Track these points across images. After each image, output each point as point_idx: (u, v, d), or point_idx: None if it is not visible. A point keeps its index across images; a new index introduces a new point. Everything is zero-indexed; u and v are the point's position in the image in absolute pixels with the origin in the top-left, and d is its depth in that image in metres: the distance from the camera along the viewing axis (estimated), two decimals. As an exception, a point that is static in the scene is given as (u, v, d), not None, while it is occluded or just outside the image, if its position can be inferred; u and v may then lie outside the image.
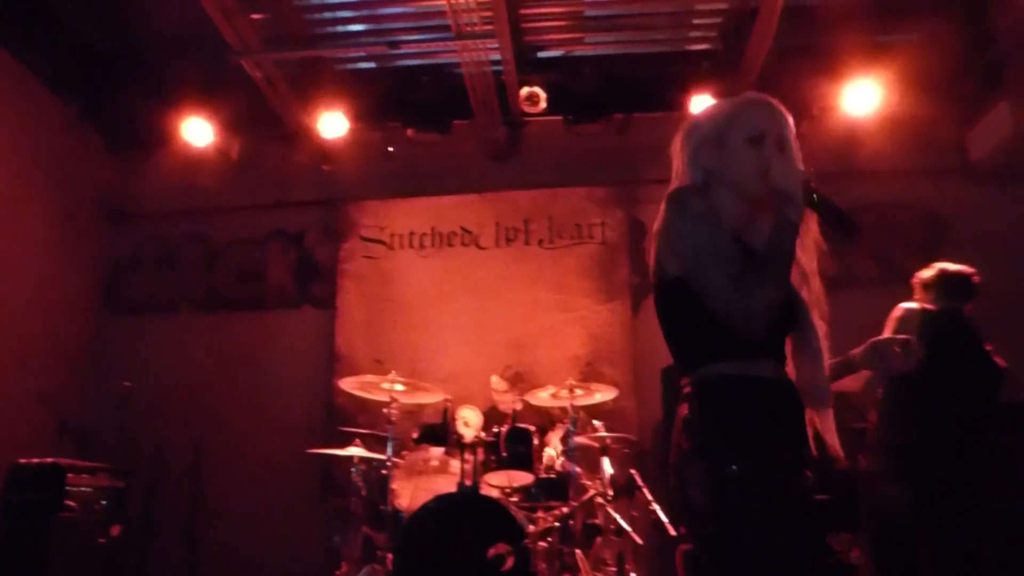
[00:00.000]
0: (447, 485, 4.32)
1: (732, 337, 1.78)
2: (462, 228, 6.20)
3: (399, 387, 4.58)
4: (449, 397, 4.86)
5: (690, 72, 5.62)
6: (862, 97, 5.36)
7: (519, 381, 5.19)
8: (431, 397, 4.88)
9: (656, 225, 1.97)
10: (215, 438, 5.88)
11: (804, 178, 1.86)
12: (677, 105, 5.61)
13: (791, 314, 1.94)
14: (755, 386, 1.83)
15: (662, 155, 6.56)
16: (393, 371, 4.61)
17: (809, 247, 1.97)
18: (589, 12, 5.65)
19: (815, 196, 1.85)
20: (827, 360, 1.97)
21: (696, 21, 5.69)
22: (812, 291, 1.97)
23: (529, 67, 5.87)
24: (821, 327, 1.96)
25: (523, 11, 5.50)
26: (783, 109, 2.01)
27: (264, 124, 6.19)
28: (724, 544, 1.72)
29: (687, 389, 1.88)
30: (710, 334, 1.83)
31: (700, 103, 5.50)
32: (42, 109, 5.78)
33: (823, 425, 1.92)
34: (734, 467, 1.72)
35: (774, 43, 5.14)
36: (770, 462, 1.75)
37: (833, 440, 1.93)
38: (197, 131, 5.86)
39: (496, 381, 5.25)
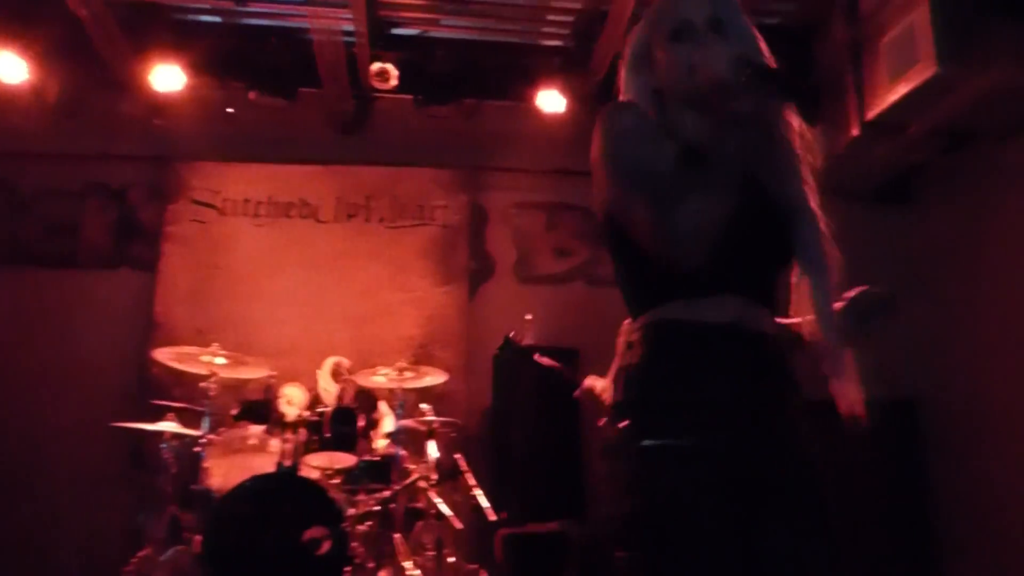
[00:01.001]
0: (265, 465, 4.20)
1: (668, 272, 1.48)
2: (301, 199, 6.02)
3: (220, 360, 4.40)
4: (274, 373, 4.72)
5: (541, 66, 5.72)
6: (698, 109, 5.65)
7: (351, 372, 5.07)
8: (255, 372, 4.73)
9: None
10: (8, 406, 5.40)
11: (736, 55, 1.50)
12: (526, 97, 5.70)
13: (768, 234, 1.60)
14: (696, 334, 1.50)
15: (508, 143, 6.72)
16: (215, 343, 4.43)
17: (794, 144, 1.63)
18: (446, -7, 5.62)
19: (752, 72, 1.47)
20: (834, 292, 1.65)
21: (550, 17, 5.78)
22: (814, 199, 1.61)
23: (382, 42, 5.75)
24: (829, 250, 1.65)
25: (380, -16, 5.39)
26: None
27: (89, 68, 5.70)
28: (638, 531, 1.43)
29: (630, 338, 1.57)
30: (645, 271, 1.54)
31: (547, 98, 5.62)
32: None
33: (833, 376, 1.58)
34: (650, 440, 1.43)
35: (621, 47, 5.30)
36: (706, 433, 1.42)
37: (847, 395, 1.58)
38: (7, 65, 5.31)
39: (324, 379, 5.09)
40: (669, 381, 1.47)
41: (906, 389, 5.89)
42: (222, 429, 4.45)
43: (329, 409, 4.43)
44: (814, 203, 1.62)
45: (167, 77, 5.44)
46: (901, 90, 4.51)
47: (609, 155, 1.62)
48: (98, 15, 5.25)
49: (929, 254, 6.08)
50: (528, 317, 5.55)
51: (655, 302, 1.54)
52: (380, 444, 4.54)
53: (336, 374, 5.03)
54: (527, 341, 5.45)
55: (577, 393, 4.19)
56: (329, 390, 4.93)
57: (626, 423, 1.47)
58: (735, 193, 1.46)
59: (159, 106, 5.74)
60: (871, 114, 4.82)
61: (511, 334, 4.50)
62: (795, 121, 1.66)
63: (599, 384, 4.27)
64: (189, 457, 4.27)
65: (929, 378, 5.91)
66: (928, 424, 5.89)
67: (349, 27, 5.35)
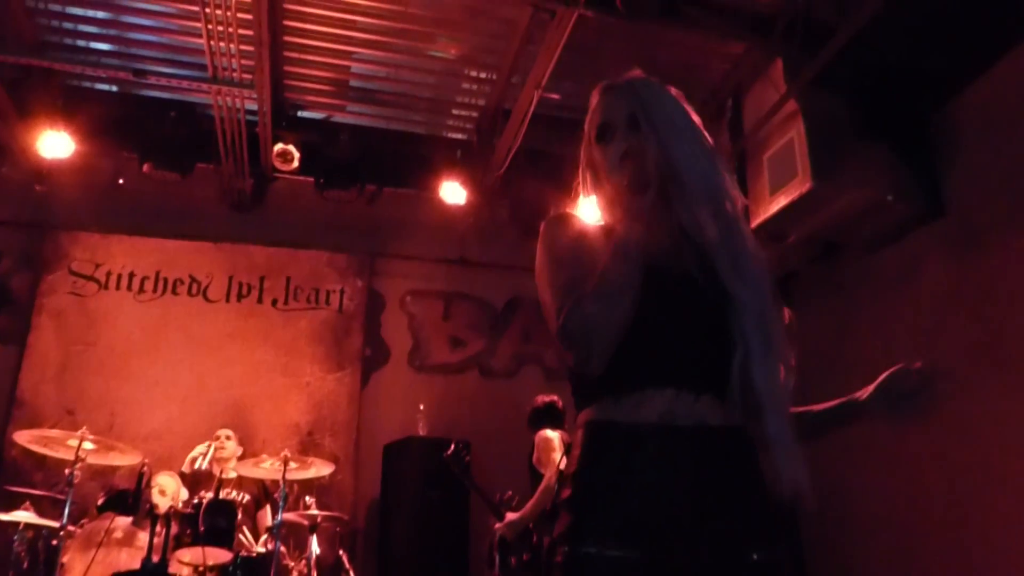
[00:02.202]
0: (131, 561, 3.88)
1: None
2: (191, 276, 5.81)
3: (88, 444, 4.10)
4: (147, 460, 4.41)
5: (443, 157, 5.83)
6: (591, 207, 5.85)
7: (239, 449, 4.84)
8: (126, 459, 4.42)
9: None
10: None
11: (622, 151, 1.57)
12: (427, 186, 5.78)
13: (700, 322, 1.49)
14: (626, 434, 1.42)
15: (407, 230, 6.74)
16: (85, 426, 4.13)
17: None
18: (354, 82, 5.69)
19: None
20: (782, 384, 1.52)
21: (455, 111, 5.94)
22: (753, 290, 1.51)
23: (286, 123, 5.76)
24: (773, 332, 1.52)
25: (287, 68, 5.41)
26: (638, 78, 1.72)
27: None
28: None
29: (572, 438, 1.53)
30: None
31: (448, 189, 5.72)
32: None
33: (774, 471, 1.45)
34: (577, 547, 1.35)
35: (523, 144, 5.50)
36: (633, 543, 1.33)
37: (792, 479, 1.44)
38: None
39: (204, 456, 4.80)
40: (597, 487, 1.39)
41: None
42: (85, 520, 4.12)
43: (205, 501, 4.17)
44: (748, 287, 1.49)
45: (55, 143, 5.24)
46: (781, 201, 4.83)
47: (537, 265, 1.59)
48: (-17, 76, 5.05)
49: (801, 358, 6.39)
50: (421, 407, 5.49)
51: (589, 400, 1.50)
52: (259, 539, 4.30)
53: (217, 460, 4.77)
54: (420, 432, 5.37)
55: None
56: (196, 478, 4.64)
57: (559, 528, 1.40)
58: (636, 290, 1.41)
59: (43, 172, 5.50)
60: (755, 222, 5.11)
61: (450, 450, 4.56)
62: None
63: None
64: (45, 551, 3.91)
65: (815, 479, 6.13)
66: (804, 519, 6.08)
67: (253, 106, 5.32)
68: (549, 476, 4.06)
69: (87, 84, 5.72)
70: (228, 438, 4.85)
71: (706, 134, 1.64)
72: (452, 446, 4.55)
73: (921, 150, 4.95)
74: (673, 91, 1.72)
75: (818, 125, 4.70)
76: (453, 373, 6.20)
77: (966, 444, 4.68)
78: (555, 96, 5.41)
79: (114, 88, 5.78)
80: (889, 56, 4.67)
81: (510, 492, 4.59)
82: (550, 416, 4.60)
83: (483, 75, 5.50)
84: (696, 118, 1.66)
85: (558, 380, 6.31)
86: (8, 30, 5.06)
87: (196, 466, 4.65)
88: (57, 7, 5.09)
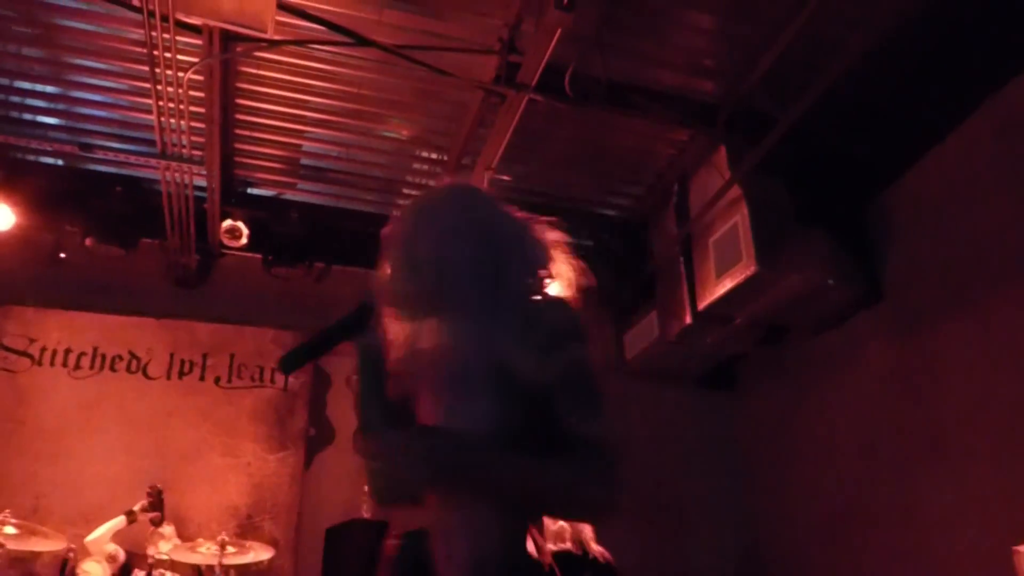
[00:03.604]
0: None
1: None
2: (130, 352, 5.65)
3: (9, 529, 3.88)
4: (72, 546, 4.20)
5: (394, 236, 5.84)
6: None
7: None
8: (50, 544, 4.20)
9: None
10: None
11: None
12: (376, 264, 5.76)
13: None
14: None
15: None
16: (7, 510, 3.92)
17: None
18: (305, 161, 5.73)
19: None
20: None
21: (406, 191, 5.99)
22: None
23: (235, 200, 5.74)
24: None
25: (238, 144, 5.43)
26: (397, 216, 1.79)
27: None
28: None
29: None
30: None
31: (400, 267, 5.71)
32: None
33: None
34: None
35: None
36: None
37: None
38: None
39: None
40: None
41: (739, 562, 6.06)
42: (1, 613, 3.87)
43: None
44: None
45: (-6, 215, 5.13)
46: (727, 284, 4.94)
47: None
48: (-76, 147, 4.96)
49: (750, 439, 6.46)
50: (366, 488, 5.33)
51: None
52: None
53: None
54: (364, 514, 5.21)
55: None
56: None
57: None
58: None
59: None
60: (702, 304, 5.21)
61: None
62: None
63: None
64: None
65: (758, 563, 6.10)
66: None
67: (202, 182, 5.30)
68: None
69: (31, 157, 5.65)
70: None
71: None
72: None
73: (859, 236, 5.15)
74: None
75: (761, 210, 4.85)
76: (399, 454, 6.07)
77: (907, 528, 4.72)
78: (506, 178, 5.51)
79: (59, 162, 5.71)
80: (827, 145, 4.89)
81: None
82: None
83: (434, 156, 5.58)
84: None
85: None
86: (-47, 102, 5.00)
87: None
88: (4, 80, 5.06)
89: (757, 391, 6.53)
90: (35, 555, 4.37)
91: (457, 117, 5.12)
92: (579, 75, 4.50)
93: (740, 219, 4.87)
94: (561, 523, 4.44)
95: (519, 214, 1.82)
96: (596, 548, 4.42)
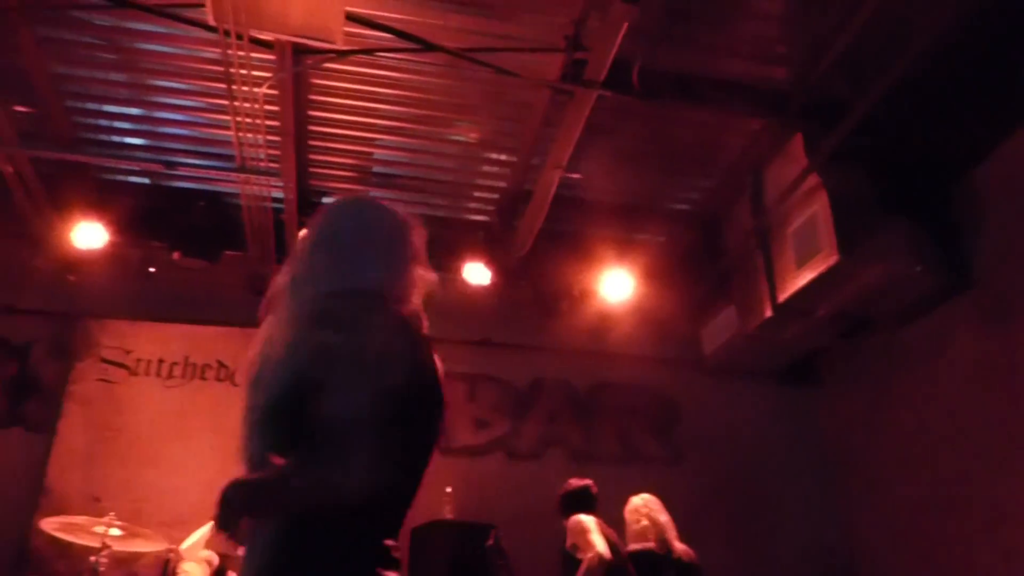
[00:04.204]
0: (154, 652, 3.81)
1: None
2: (218, 361, 5.85)
3: (115, 531, 4.06)
4: (173, 547, 4.37)
5: (466, 239, 5.89)
6: (616, 285, 5.86)
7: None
8: (151, 545, 4.37)
9: None
10: None
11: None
12: (450, 268, 5.82)
13: None
14: None
15: (429, 313, 6.68)
16: (112, 512, 4.10)
17: None
18: (376, 168, 5.82)
19: None
20: None
21: (476, 194, 6.03)
22: None
23: (311, 209, 5.86)
24: None
25: (311, 155, 5.56)
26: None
27: (5, 221, 5.60)
28: None
29: None
30: None
31: (472, 270, 5.76)
32: None
33: None
34: None
35: (544, 225, 5.56)
36: None
37: None
38: (-80, 218, 5.16)
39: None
40: None
41: (838, 569, 5.91)
42: (108, 610, 4.05)
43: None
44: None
45: (88, 234, 5.36)
46: (808, 275, 4.81)
47: None
48: (23, 171, 5.23)
49: (834, 434, 6.28)
50: (448, 490, 5.39)
51: None
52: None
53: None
54: (446, 515, 5.26)
55: None
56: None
57: None
58: None
59: (74, 262, 5.62)
60: (782, 297, 5.09)
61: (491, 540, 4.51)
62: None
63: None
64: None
65: (846, 563, 5.93)
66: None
67: (279, 194, 5.45)
68: (590, 559, 3.93)
69: (120, 177, 5.89)
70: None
71: None
72: (493, 536, 4.45)
73: (945, 221, 4.95)
74: None
75: (841, 198, 4.72)
76: (478, 455, 6.12)
77: (999, 521, 4.52)
78: (576, 176, 5.50)
79: (146, 180, 5.94)
80: (907, 128, 4.72)
81: None
82: (583, 501, 4.48)
83: (503, 157, 5.60)
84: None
85: (584, 462, 6.20)
86: (47, 128, 5.27)
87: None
88: (93, 105, 5.30)
89: (840, 385, 6.34)
90: (138, 556, 4.57)
91: (524, 117, 5.13)
92: (646, 69, 4.46)
93: (819, 208, 4.74)
94: (644, 522, 4.39)
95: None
96: (680, 547, 4.36)
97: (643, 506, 4.55)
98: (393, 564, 1.58)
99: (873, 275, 4.77)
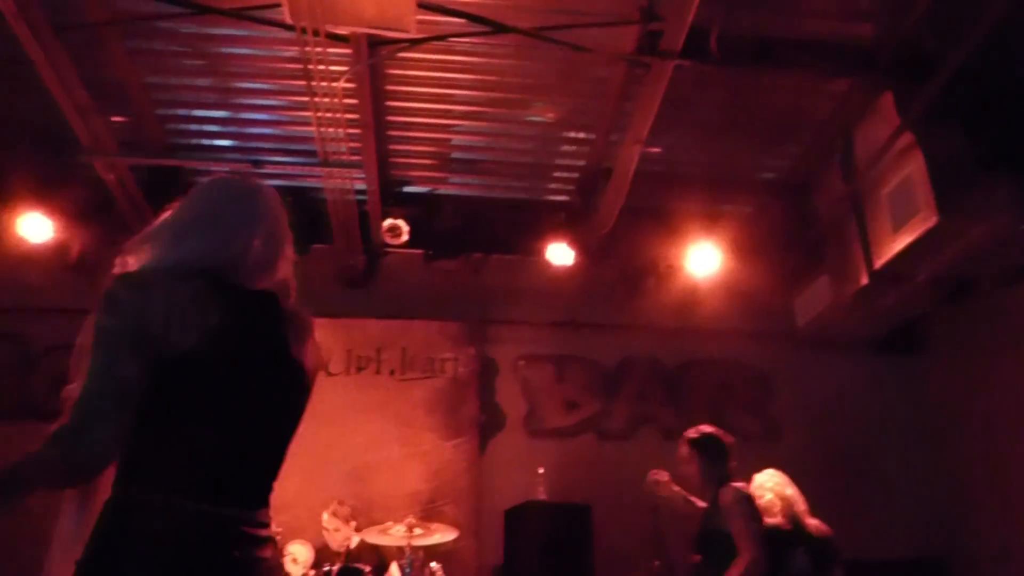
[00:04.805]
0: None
1: None
2: (312, 352, 6.02)
3: (225, 518, 4.24)
4: (279, 530, 4.55)
5: (547, 221, 5.88)
6: (703, 259, 5.75)
7: (352, 518, 4.92)
8: (260, 530, 4.56)
9: None
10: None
11: None
12: (534, 251, 5.83)
13: None
14: None
15: (514, 297, 6.75)
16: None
17: None
18: (455, 154, 5.86)
19: None
20: None
21: (555, 174, 6.01)
22: None
23: (393, 199, 5.96)
24: None
25: (391, 146, 5.63)
26: None
27: (111, 228, 5.88)
28: None
29: None
30: None
31: (555, 251, 5.74)
32: None
33: None
34: None
35: (627, 201, 5.49)
36: None
37: None
38: (34, 226, 5.46)
39: (327, 519, 4.95)
40: None
41: (934, 548, 5.68)
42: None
43: (335, 568, 4.23)
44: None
45: (185, 235, 5.57)
46: (904, 240, 4.60)
47: None
48: (123, 179, 5.48)
49: (939, 405, 6.02)
50: (540, 471, 5.42)
51: None
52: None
53: (347, 518, 4.84)
54: (540, 496, 5.29)
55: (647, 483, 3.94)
56: (333, 534, 4.72)
57: None
58: None
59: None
60: (878, 263, 4.89)
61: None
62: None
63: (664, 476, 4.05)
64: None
65: (955, 534, 5.69)
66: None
67: (361, 186, 5.55)
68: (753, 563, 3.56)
69: (210, 178, 6.10)
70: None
71: None
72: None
73: (1053, 174, 4.65)
74: None
75: (938, 156, 4.48)
76: (569, 436, 6.13)
77: None
78: (656, 150, 5.40)
79: (235, 180, 6.14)
80: (1005, 80, 4.45)
81: (657, 563, 4.42)
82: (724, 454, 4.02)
83: (581, 135, 5.55)
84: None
85: (676, 440, 6.11)
86: (142, 135, 5.51)
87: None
88: (183, 111, 5.50)
89: (943, 352, 6.07)
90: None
91: (601, 94, 5.07)
92: (725, 35, 4.33)
93: (915, 168, 4.52)
94: (768, 496, 4.14)
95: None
96: (812, 522, 4.15)
97: (767, 480, 4.25)
98: (243, 539, 1.59)
99: (975, 236, 4.53)
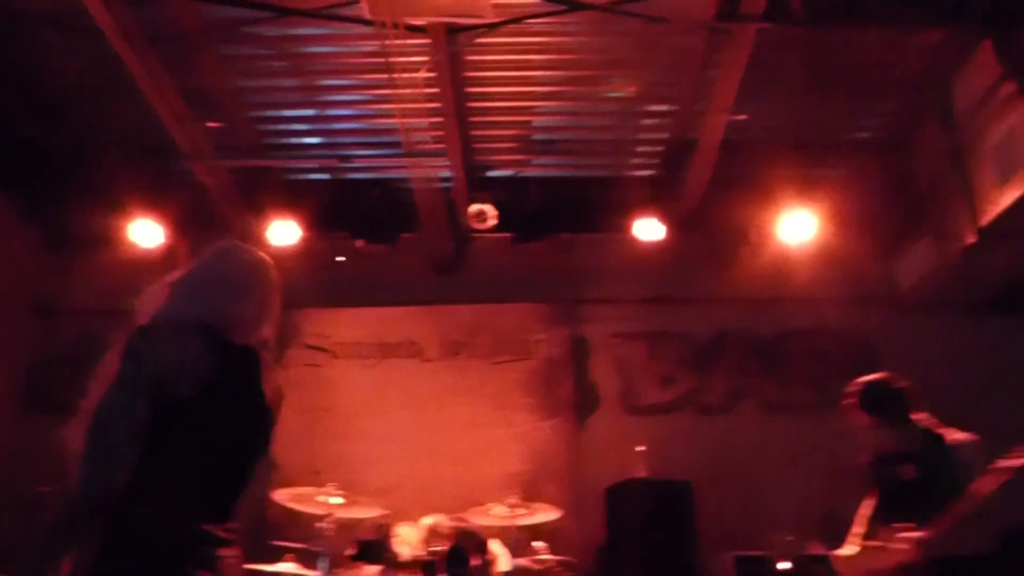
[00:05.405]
0: (381, 606, 4.12)
1: None
2: (407, 340, 6.18)
3: (336, 500, 4.42)
4: (387, 512, 4.71)
5: (633, 197, 5.83)
6: (796, 227, 5.59)
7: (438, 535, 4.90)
8: (368, 511, 4.73)
9: None
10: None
11: None
12: (620, 227, 5.79)
13: None
14: None
15: (604, 275, 6.70)
16: (331, 483, 4.47)
17: None
18: (537, 136, 5.87)
19: None
20: None
21: (639, 149, 5.95)
22: None
23: (478, 184, 6.02)
24: None
25: (473, 132, 5.69)
26: None
27: (212, 228, 6.16)
28: None
29: None
30: None
31: (643, 227, 5.69)
32: (-20, 205, 5.70)
33: None
34: None
35: (714, 172, 5.39)
36: None
37: None
38: (144, 232, 5.76)
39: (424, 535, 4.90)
40: None
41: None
42: (338, 570, 4.40)
43: (443, 549, 4.34)
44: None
45: (283, 232, 5.78)
46: (1013, 194, 4.37)
47: None
48: (222, 182, 5.73)
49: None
50: (639, 448, 5.41)
51: None
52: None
53: (432, 535, 4.88)
54: (640, 473, 5.29)
55: None
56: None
57: None
58: None
59: (272, 259, 6.06)
60: (985, 220, 4.66)
61: None
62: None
63: None
64: (308, 599, 4.24)
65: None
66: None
67: (446, 173, 5.64)
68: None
69: (302, 176, 6.31)
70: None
71: None
72: None
73: None
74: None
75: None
76: (666, 412, 6.09)
77: None
78: (742, 117, 5.28)
79: (325, 176, 6.33)
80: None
81: (791, 537, 4.33)
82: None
83: (664, 108, 5.48)
84: None
85: (778, 412, 6.01)
86: (236, 139, 5.73)
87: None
88: (272, 112, 5.70)
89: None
90: (356, 522, 4.95)
91: (682, 64, 4.99)
92: (808, -7, 4.20)
93: (1020, 117, 4.28)
94: None
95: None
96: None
97: None
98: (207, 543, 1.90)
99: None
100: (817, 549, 4.97)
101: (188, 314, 1.99)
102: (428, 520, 4.84)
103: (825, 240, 5.64)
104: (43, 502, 4.77)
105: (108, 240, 5.84)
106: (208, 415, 1.92)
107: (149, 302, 2.03)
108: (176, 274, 2.10)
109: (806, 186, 5.61)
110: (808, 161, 5.71)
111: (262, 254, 2.25)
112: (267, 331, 2.16)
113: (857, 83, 5.23)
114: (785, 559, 4.72)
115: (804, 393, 6.02)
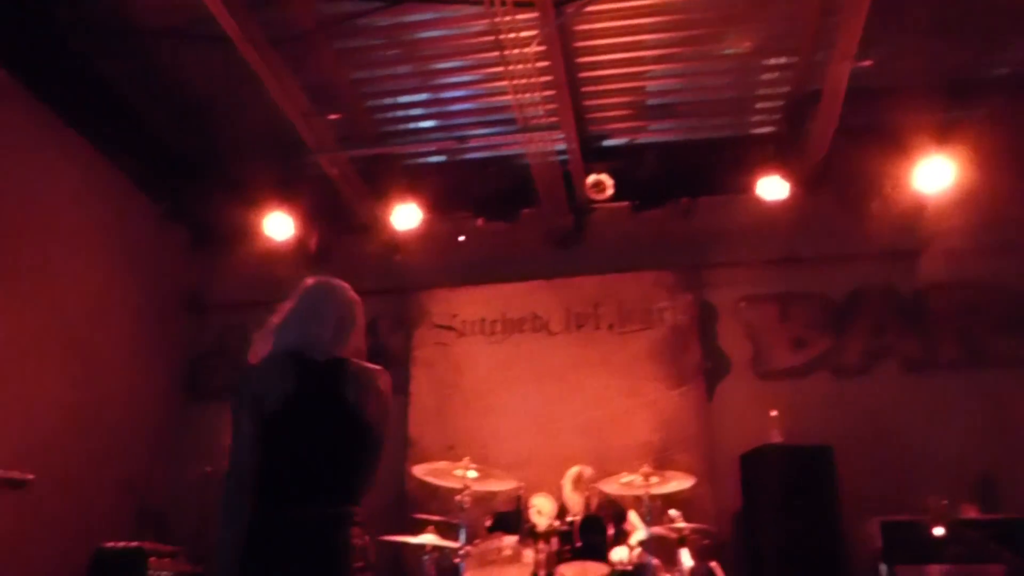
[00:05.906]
0: (520, 575, 4.23)
1: None
2: (532, 314, 6.25)
3: (472, 473, 4.56)
4: (522, 484, 4.82)
5: (755, 155, 5.65)
6: (933, 174, 5.27)
7: (584, 482, 5.00)
8: (503, 484, 4.85)
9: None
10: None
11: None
12: (743, 188, 5.64)
13: None
14: None
15: (728, 238, 6.58)
16: (466, 457, 4.61)
17: None
18: (651, 101, 5.78)
19: None
20: None
21: (759, 105, 5.75)
22: None
23: (594, 155, 5.99)
24: None
25: (586, 102, 5.66)
26: None
27: (339, 217, 6.44)
28: None
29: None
30: None
31: (767, 185, 5.52)
32: (132, 208, 6.16)
33: None
34: None
35: (840, 123, 5.15)
36: None
37: None
38: (277, 226, 6.07)
39: (569, 492, 5.02)
40: None
41: None
42: (477, 540, 4.55)
43: (579, 518, 4.41)
44: None
45: (405, 216, 5.96)
46: None
47: None
48: (345, 171, 5.96)
49: None
50: (773, 413, 5.29)
51: None
52: (631, 553, 4.43)
53: (578, 483, 5.00)
54: (774, 439, 5.17)
55: None
56: (573, 500, 4.91)
57: None
58: None
59: (398, 242, 6.28)
60: None
61: None
62: None
63: None
64: (450, 568, 4.41)
65: None
66: None
67: (561, 146, 5.64)
68: None
69: (421, 160, 6.47)
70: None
71: None
72: None
73: None
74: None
75: None
76: (800, 376, 5.89)
77: None
78: (868, 63, 5.02)
79: (443, 158, 6.46)
80: None
81: (945, 501, 4.21)
82: None
83: (782, 61, 5.27)
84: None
85: (921, 371, 5.70)
86: (357, 129, 5.94)
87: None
88: (389, 100, 5.86)
89: None
90: (492, 494, 5.09)
91: (798, 13, 4.78)
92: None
93: None
94: None
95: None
96: None
97: None
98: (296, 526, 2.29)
99: None
100: (971, 513, 4.75)
101: (279, 346, 2.46)
102: (574, 470, 4.96)
103: (966, 186, 5.29)
104: (209, 480, 5.19)
105: (246, 235, 6.21)
106: (294, 420, 2.33)
107: (259, 344, 2.51)
108: (275, 317, 2.55)
109: (942, 131, 5.27)
110: (942, 104, 5.35)
111: (338, 281, 2.65)
112: (355, 343, 2.55)
113: (991, 16, 4.86)
114: (938, 524, 4.52)
115: (951, 350, 5.69)
